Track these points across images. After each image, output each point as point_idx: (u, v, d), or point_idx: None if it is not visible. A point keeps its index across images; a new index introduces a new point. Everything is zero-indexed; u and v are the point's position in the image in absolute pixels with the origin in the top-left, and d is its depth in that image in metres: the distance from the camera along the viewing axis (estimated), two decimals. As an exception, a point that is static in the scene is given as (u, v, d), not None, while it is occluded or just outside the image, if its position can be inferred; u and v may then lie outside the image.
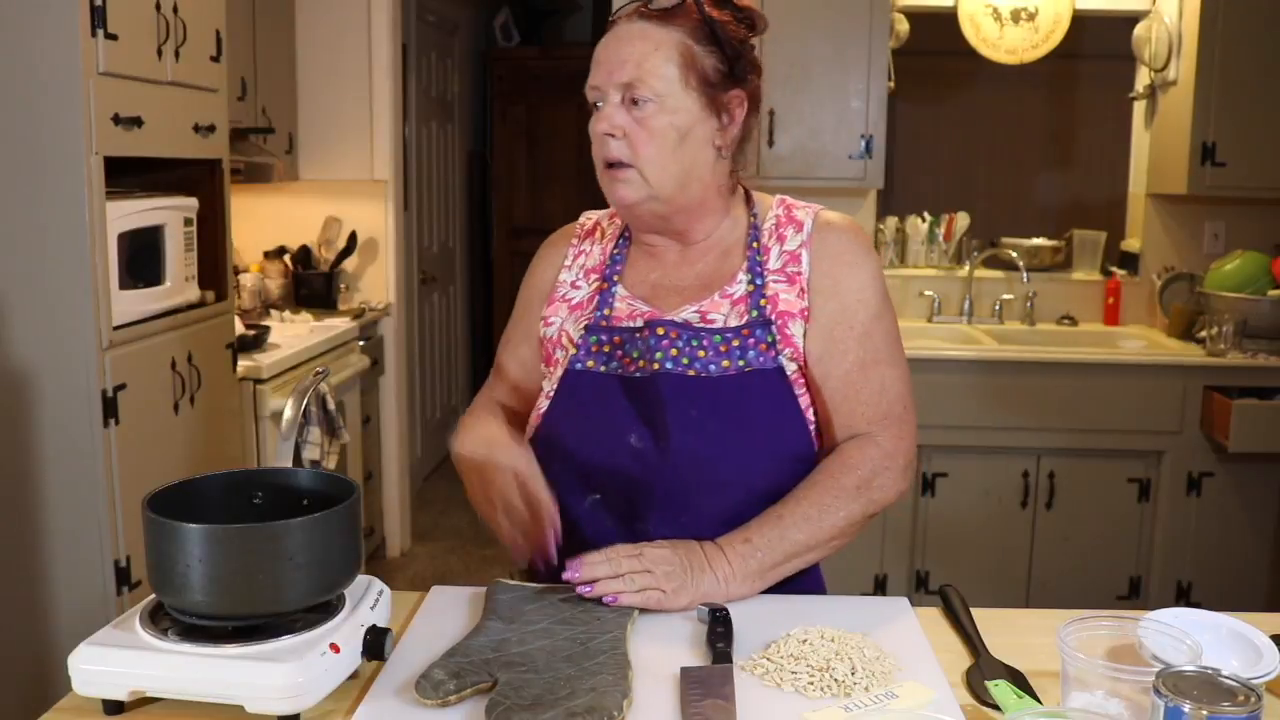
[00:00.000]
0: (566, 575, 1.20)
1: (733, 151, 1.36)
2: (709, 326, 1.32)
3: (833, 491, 1.28)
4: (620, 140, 1.29)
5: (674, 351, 1.30)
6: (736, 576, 1.24)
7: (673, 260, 1.39)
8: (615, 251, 1.43)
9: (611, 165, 1.31)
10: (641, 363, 1.31)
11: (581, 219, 1.51)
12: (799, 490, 1.29)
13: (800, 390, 1.32)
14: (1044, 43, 3.77)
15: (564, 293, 1.42)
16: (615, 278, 1.40)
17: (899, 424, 1.34)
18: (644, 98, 1.27)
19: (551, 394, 1.36)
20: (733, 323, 1.32)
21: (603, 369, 1.33)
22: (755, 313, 1.32)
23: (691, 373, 1.29)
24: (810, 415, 1.34)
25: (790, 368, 1.31)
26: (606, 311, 1.37)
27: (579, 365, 1.34)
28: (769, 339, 1.31)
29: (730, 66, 1.32)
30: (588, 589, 1.19)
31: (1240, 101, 3.42)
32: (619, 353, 1.33)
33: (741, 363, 1.29)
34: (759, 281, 1.34)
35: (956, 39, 3.78)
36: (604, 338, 1.34)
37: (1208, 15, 3.40)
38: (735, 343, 1.30)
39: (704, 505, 1.28)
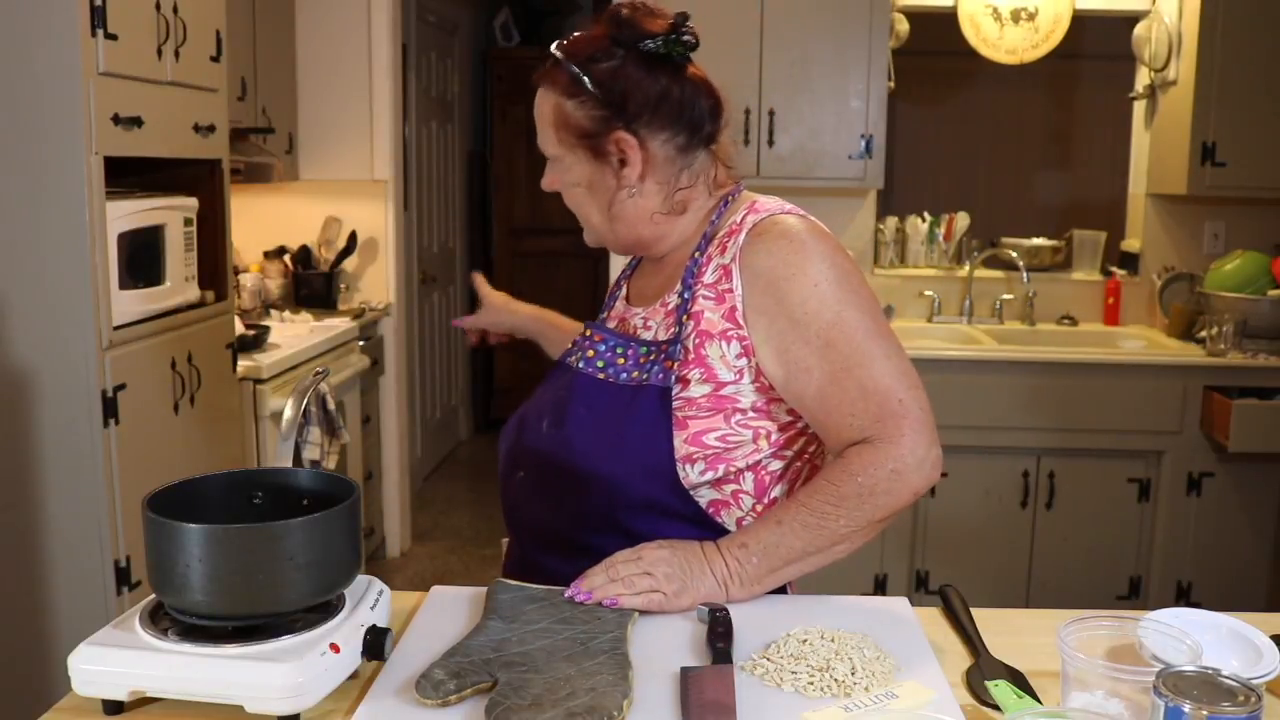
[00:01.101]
0: (567, 595, 1.21)
1: (667, 178, 1.34)
2: (642, 337, 1.36)
3: (831, 499, 1.24)
4: (564, 197, 1.40)
5: (590, 353, 1.37)
6: (734, 579, 1.24)
7: (649, 269, 1.46)
8: (632, 258, 1.52)
9: None
10: (573, 359, 1.40)
11: None
12: (800, 495, 1.27)
13: (696, 411, 1.28)
14: (1044, 43, 3.77)
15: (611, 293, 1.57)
16: (625, 281, 1.51)
17: (897, 419, 1.24)
18: (552, 159, 1.38)
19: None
20: (661, 335, 1.34)
21: (575, 361, 1.40)
22: (678, 329, 1.32)
23: (601, 376, 1.34)
24: (711, 439, 1.29)
25: (701, 389, 1.28)
26: (606, 313, 1.48)
27: (568, 358, 1.42)
28: (678, 356, 1.30)
29: (612, 108, 1.31)
30: (587, 595, 1.20)
31: (1240, 101, 3.42)
32: (590, 351, 1.40)
33: (644, 376, 1.31)
34: (687, 295, 1.32)
35: (956, 39, 3.78)
36: (593, 336, 1.41)
37: (1208, 15, 3.40)
38: (653, 356, 1.32)
39: (594, 495, 1.31)
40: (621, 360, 1.34)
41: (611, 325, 1.43)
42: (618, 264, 3.86)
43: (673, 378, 1.29)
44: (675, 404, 1.29)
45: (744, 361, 1.28)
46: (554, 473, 1.34)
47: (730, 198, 1.39)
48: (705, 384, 1.28)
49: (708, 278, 1.31)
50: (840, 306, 1.25)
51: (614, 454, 1.30)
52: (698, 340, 1.29)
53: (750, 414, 1.30)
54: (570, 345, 1.44)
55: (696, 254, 1.34)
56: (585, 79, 1.31)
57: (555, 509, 1.35)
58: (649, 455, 1.29)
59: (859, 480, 1.23)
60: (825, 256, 1.27)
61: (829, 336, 1.24)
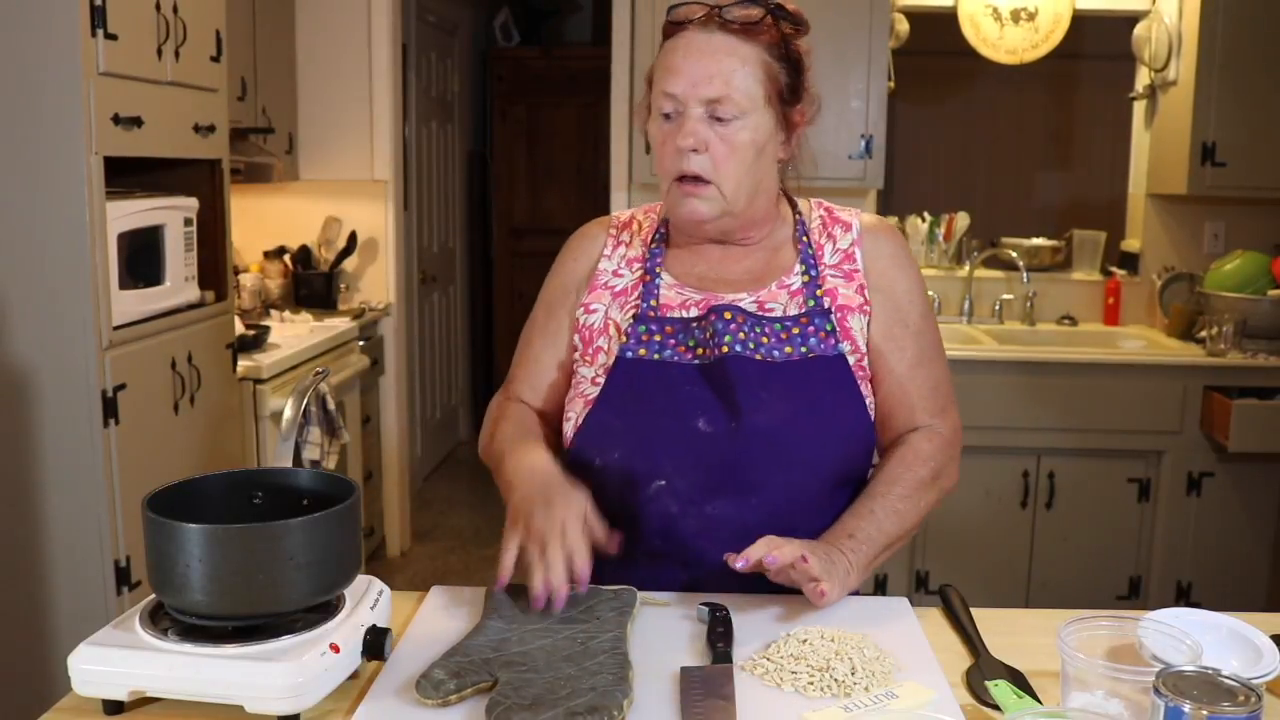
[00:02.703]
0: (733, 563, 1.16)
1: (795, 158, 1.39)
2: (769, 315, 1.33)
3: (913, 484, 1.33)
4: (703, 155, 1.28)
5: (742, 335, 1.30)
6: (854, 569, 1.24)
7: (717, 256, 1.40)
8: (654, 245, 1.42)
9: (684, 179, 1.30)
10: (701, 350, 1.31)
11: (615, 214, 1.52)
12: (879, 485, 1.33)
13: (861, 378, 1.34)
14: (1044, 43, 3.77)
15: (606, 280, 1.41)
16: (658, 269, 1.39)
17: (952, 413, 1.41)
18: (730, 115, 1.27)
19: (601, 381, 1.34)
20: (791, 311, 1.34)
21: (656, 357, 1.33)
22: (813, 302, 1.34)
23: (758, 357, 1.30)
24: (870, 403, 1.35)
25: (851, 358, 1.34)
26: (654, 302, 1.36)
27: (630, 354, 1.33)
28: (828, 327, 1.33)
29: (796, 80, 1.33)
30: (744, 562, 1.16)
31: (1240, 101, 3.42)
32: (671, 341, 1.33)
33: (804, 349, 1.31)
34: (814, 273, 1.36)
35: (956, 39, 3.78)
36: (653, 327, 1.34)
37: (1208, 15, 3.40)
38: (795, 330, 1.32)
39: (771, 487, 1.28)
40: (765, 339, 1.31)
41: (681, 314, 1.34)
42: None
43: (838, 346, 1.32)
44: None
45: (869, 334, 1.36)
46: (723, 466, 1.27)
47: (787, 195, 1.44)
48: (854, 354, 1.34)
49: (829, 260, 1.38)
50: (928, 309, 1.41)
51: (815, 430, 1.29)
52: (839, 314, 1.34)
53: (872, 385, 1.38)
54: (646, 338, 1.32)
55: (804, 238, 1.39)
56: (790, 45, 1.31)
57: (727, 505, 1.28)
58: (854, 424, 1.33)
59: (932, 465, 1.35)
60: (917, 264, 1.45)
61: (921, 326, 1.38)
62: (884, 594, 3.40)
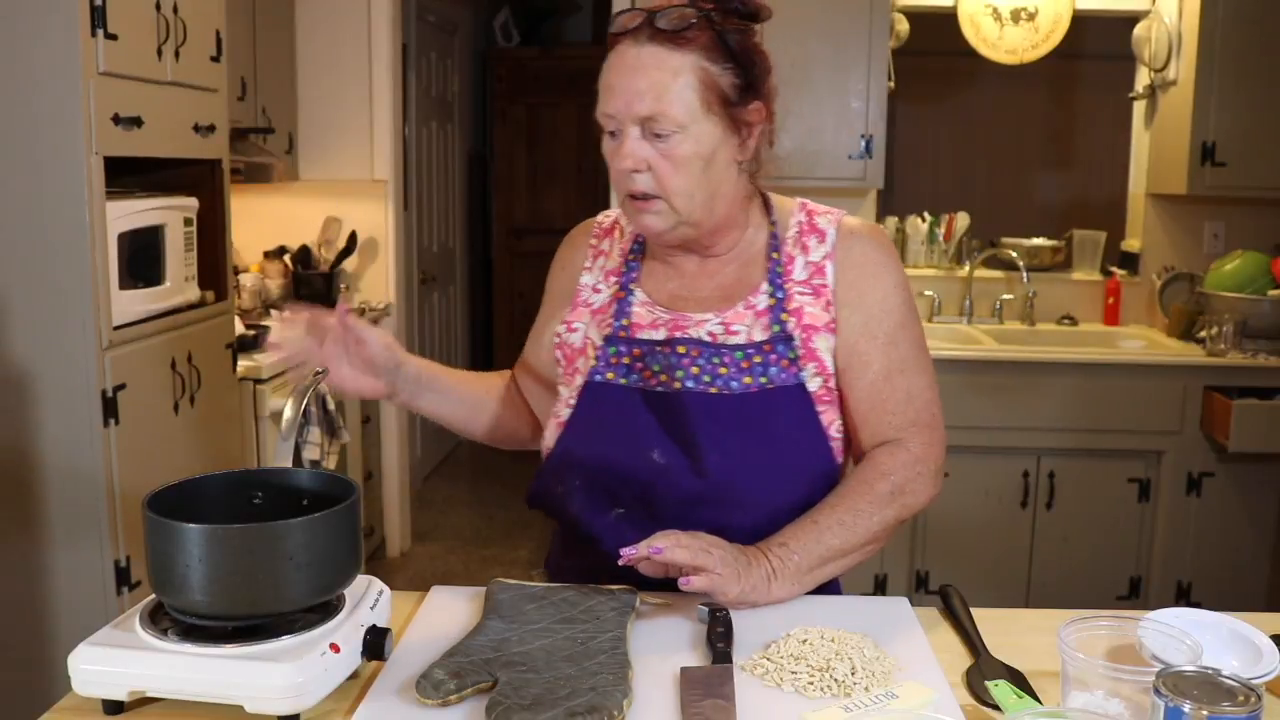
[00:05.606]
0: (622, 557, 1.16)
1: (760, 158, 1.33)
2: (731, 341, 1.30)
3: (866, 497, 1.28)
4: (645, 173, 1.25)
5: (695, 369, 1.28)
6: (778, 575, 1.23)
7: (691, 270, 1.37)
8: (631, 257, 1.40)
9: (635, 196, 1.27)
10: (663, 377, 1.29)
11: (600, 216, 1.48)
12: (832, 497, 1.29)
13: (823, 407, 1.31)
14: (1044, 43, 3.77)
15: (586, 296, 1.41)
16: (632, 285, 1.38)
17: (928, 430, 1.33)
18: (667, 130, 1.23)
19: (572, 404, 1.34)
20: (756, 336, 1.30)
21: (623, 381, 1.31)
22: (777, 327, 1.30)
23: (714, 390, 1.27)
24: (833, 431, 1.33)
25: (814, 384, 1.30)
26: (625, 321, 1.35)
27: (599, 377, 1.32)
28: (791, 355, 1.29)
29: (747, 78, 1.27)
30: (632, 551, 1.16)
31: (1240, 101, 3.42)
32: (639, 364, 1.31)
33: (764, 379, 1.28)
34: (780, 295, 1.32)
35: (956, 39, 3.78)
36: (623, 349, 1.32)
37: (1208, 15, 3.40)
38: (757, 359, 1.28)
39: (728, 521, 1.26)
40: (724, 370, 1.28)
41: (650, 334, 1.33)
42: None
43: (800, 374, 1.29)
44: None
45: (837, 351, 1.32)
46: (681, 501, 1.27)
47: (766, 200, 1.39)
48: (818, 377, 1.31)
49: (798, 275, 1.33)
50: (906, 315, 1.34)
51: (774, 465, 1.27)
52: (804, 335, 1.30)
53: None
54: (615, 361, 1.32)
55: (774, 254, 1.33)
56: (731, 42, 1.25)
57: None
58: (812, 457, 1.30)
59: (892, 479, 1.29)
60: (900, 266, 1.37)
61: (894, 336, 1.32)
62: (884, 594, 3.40)
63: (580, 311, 1.40)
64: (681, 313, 1.33)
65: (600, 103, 1.27)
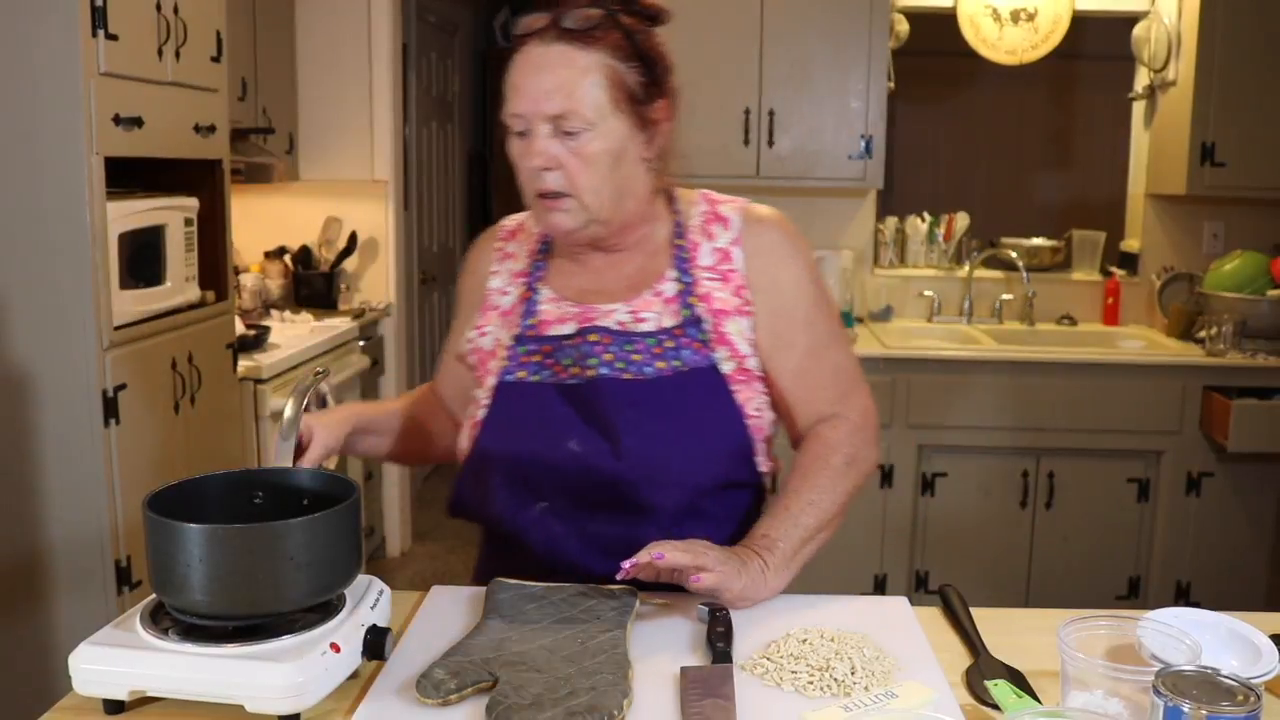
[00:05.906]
0: (624, 570, 1.17)
1: (667, 154, 1.35)
2: (641, 329, 1.32)
3: (826, 474, 1.33)
4: (556, 171, 1.26)
5: (608, 356, 1.30)
6: (770, 566, 1.25)
7: (598, 265, 1.38)
8: (538, 258, 1.41)
9: (545, 195, 1.28)
10: (575, 369, 1.31)
11: (505, 220, 1.50)
12: (795, 481, 1.33)
13: (738, 387, 1.33)
14: (1044, 43, 3.77)
15: (494, 300, 1.42)
16: (539, 284, 1.39)
17: (859, 397, 1.40)
18: (576, 128, 1.24)
19: (486, 404, 1.35)
20: (666, 322, 1.32)
21: (534, 379, 1.32)
22: (687, 312, 1.32)
23: (628, 376, 1.29)
24: (750, 409, 1.34)
25: (727, 366, 1.32)
26: (533, 320, 1.36)
27: (510, 376, 1.33)
28: (702, 338, 1.31)
29: (652, 76, 1.29)
30: (633, 561, 1.16)
31: (1240, 101, 3.42)
32: (549, 360, 1.32)
33: (676, 363, 1.30)
34: (688, 280, 1.34)
35: (956, 39, 3.78)
36: (533, 347, 1.34)
37: (1207, 15, 3.40)
38: (669, 344, 1.31)
39: (653, 503, 1.28)
40: (637, 356, 1.30)
41: (559, 329, 1.34)
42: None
43: (712, 356, 1.31)
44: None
45: (754, 335, 1.34)
46: (603, 486, 1.28)
47: (669, 193, 1.40)
48: (731, 360, 1.33)
49: (704, 261, 1.35)
50: (818, 293, 1.39)
51: (691, 445, 1.29)
52: (714, 320, 1.33)
53: (763, 384, 1.37)
54: (525, 359, 1.33)
55: (678, 241, 1.36)
56: (637, 41, 1.27)
57: (612, 522, 1.29)
58: (729, 435, 1.32)
59: (844, 451, 1.35)
60: (807, 250, 1.40)
61: (812, 317, 1.37)
62: (884, 594, 3.40)
63: (490, 315, 1.41)
64: (590, 305, 1.35)
65: (508, 103, 1.28)
